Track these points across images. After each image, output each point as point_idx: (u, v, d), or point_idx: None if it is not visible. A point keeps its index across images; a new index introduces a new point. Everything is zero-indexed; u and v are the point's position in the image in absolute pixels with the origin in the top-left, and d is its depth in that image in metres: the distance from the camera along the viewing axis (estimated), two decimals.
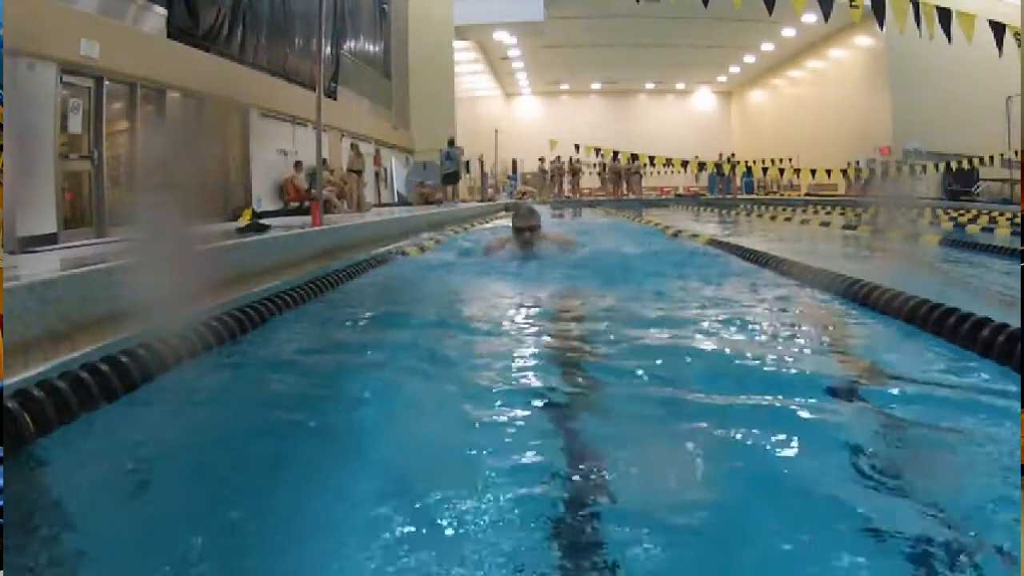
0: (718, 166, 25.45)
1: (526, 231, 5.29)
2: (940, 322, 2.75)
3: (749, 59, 29.98)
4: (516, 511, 1.43)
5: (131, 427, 2.09)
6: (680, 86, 35.56)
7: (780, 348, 2.68)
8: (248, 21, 11.71)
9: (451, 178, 18.42)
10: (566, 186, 26.01)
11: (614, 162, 24.76)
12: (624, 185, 25.22)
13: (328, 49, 14.94)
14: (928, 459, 1.78)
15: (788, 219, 13.41)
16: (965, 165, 19.61)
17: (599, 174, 26.22)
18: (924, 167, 19.89)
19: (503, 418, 1.96)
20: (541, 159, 25.61)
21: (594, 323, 3.24)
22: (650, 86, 35.41)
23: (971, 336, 2.56)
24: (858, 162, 22.61)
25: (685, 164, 23.45)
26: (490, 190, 25.74)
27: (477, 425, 1.93)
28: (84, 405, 2.09)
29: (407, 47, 22.08)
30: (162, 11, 9.16)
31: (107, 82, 7.98)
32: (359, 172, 14.70)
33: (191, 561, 1.32)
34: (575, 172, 25.44)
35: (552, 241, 5.52)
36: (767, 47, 27.88)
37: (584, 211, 18.19)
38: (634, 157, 24.37)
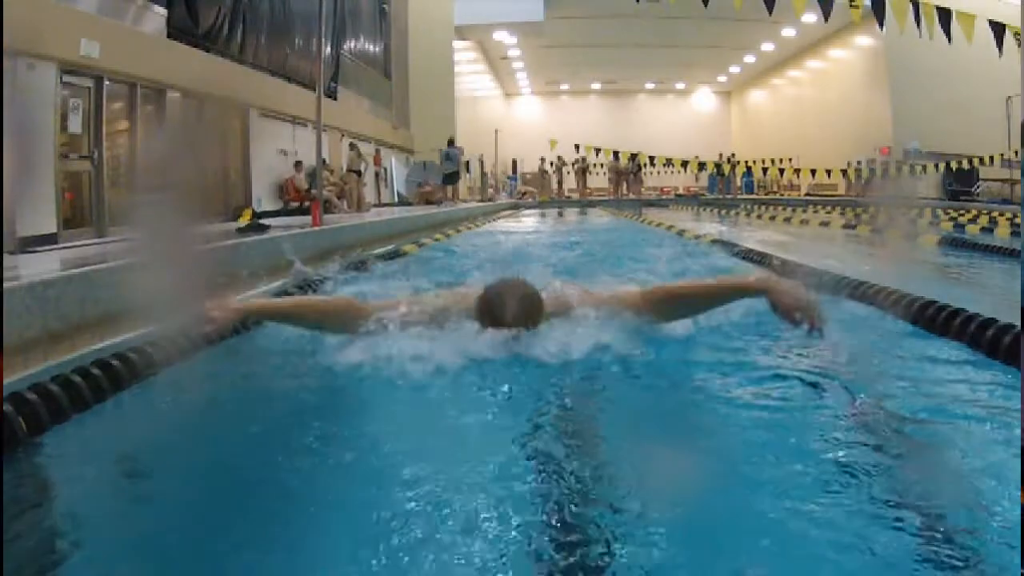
0: (718, 166, 25.45)
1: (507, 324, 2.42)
2: (946, 323, 2.75)
3: (749, 59, 29.98)
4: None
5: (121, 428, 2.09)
6: (680, 86, 35.56)
7: (782, 347, 2.68)
8: (248, 21, 11.70)
9: (451, 178, 18.42)
10: (569, 186, 25.94)
11: (614, 162, 24.75)
12: (624, 185, 25.21)
13: (328, 49, 14.92)
14: (930, 458, 1.77)
15: (788, 219, 13.41)
16: (965, 165, 19.61)
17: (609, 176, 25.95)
18: (924, 167, 19.89)
19: None
20: (542, 159, 25.58)
21: None
22: (650, 86, 35.41)
23: (976, 336, 2.56)
24: (858, 162, 22.61)
25: (685, 164, 23.44)
26: (490, 190, 25.75)
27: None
28: (76, 407, 2.09)
29: (407, 47, 22.07)
30: (162, 11, 9.15)
31: (107, 82, 7.96)
32: (359, 172, 14.69)
33: (182, 561, 1.32)
34: (583, 171, 25.32)
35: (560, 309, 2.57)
36: (767, 47, 27.88)
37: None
38: (633, 157, 24.37)
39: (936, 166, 19.90)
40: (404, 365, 2.32)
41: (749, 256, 5.86)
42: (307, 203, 10.48)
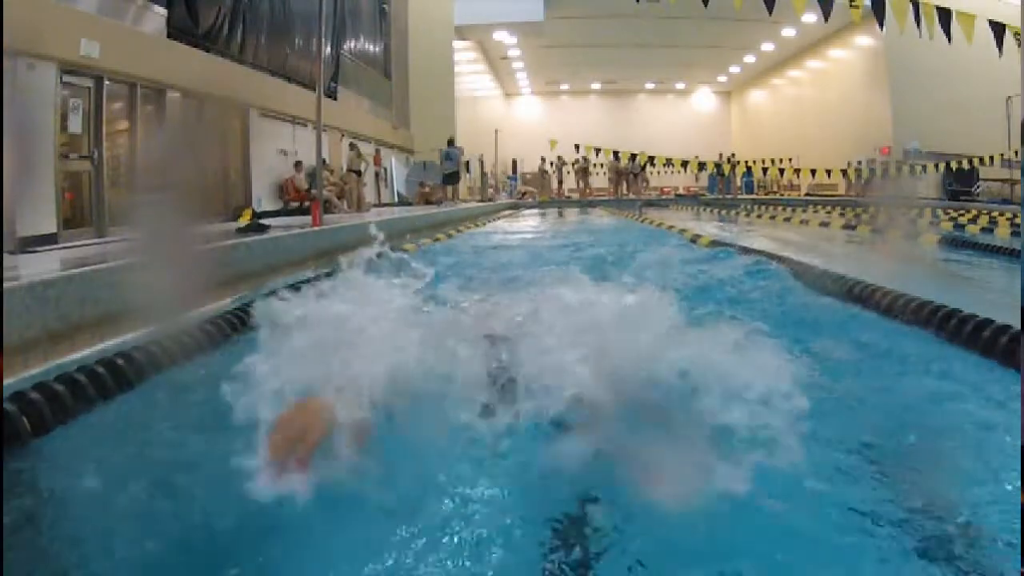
0: (718, 166, 25.44)
1: None
2: (942, 324, 2.76)
3: (749, 59, 29.98)
4: None
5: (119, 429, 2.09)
6: (680, 86, 35.55)
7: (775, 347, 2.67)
8: (248, 21, 11.70)
9: (451, 178, 18.41)
10: (569, 186, 25.89)
11: (614, 162, 24.75)
12: (624, 185, 25.20)
13: (328, 49, 14.92)
14: (929, 459, 1.77)
15: (788, 219, 13.41)
16: (965, 165, 19.61)
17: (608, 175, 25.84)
18: (924, 167, 19.89)
19: None
20: (542, 159, 25.56)
21: None
22: (650, 86, 35.40)
23: (974, 337, 2.56)
24: (858, 162, 22.61)
25: (685, 164, 23.44)
26: (490, 190, 25.74)
27: None
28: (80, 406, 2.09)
29: (407, 47, 22.07)
30: (162, 11, 9.15)
31: (107, 82, 7.96)
32: (359, 172, 14.69)
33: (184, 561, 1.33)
34: (584, 171, 25.27)
35: None
36: (767, 47, 27.88)
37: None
38: (633, 157, 24.36)
39: (936, 166, 19.89)
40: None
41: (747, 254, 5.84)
42: (307, 203, 10.48)
